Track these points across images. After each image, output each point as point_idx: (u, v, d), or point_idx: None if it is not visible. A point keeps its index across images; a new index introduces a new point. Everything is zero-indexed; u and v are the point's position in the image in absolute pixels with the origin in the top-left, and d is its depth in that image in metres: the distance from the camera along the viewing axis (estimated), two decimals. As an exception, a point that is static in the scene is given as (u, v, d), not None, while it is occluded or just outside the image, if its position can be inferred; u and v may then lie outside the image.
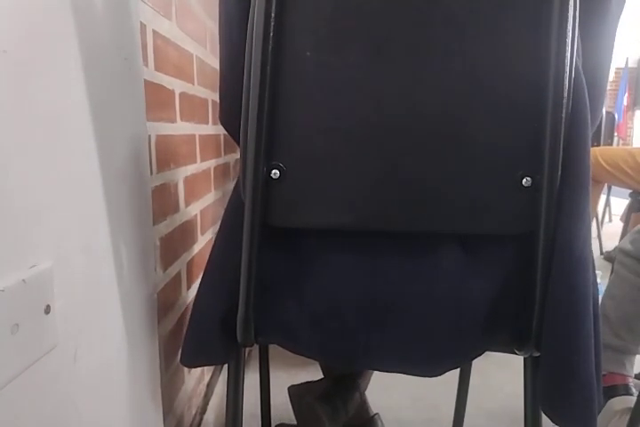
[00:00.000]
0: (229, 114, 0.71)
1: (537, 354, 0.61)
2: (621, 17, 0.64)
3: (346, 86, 0.56)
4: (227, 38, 0.67)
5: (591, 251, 0.59)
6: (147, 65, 0.76)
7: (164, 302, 0.84)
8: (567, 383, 0.58)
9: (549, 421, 0.62)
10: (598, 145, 3.24)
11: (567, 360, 0.57)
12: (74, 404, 0.53)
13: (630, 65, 6.27)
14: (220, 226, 0.68)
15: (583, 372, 0.57)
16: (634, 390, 1.18)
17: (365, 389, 1.13)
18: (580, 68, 0.57)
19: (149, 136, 0.77)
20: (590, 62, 0.59)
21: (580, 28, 0.56)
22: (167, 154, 0.87)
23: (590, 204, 0.59)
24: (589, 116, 0.57)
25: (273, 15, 0.54)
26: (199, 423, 1.13)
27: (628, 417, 1.03)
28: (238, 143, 0.64)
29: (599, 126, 3.31)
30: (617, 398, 1.15)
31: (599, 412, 1.10)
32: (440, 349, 0.62)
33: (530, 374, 0.65)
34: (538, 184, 0.56)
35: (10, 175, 0.42)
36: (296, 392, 1.07)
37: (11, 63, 0.42)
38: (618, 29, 0.64)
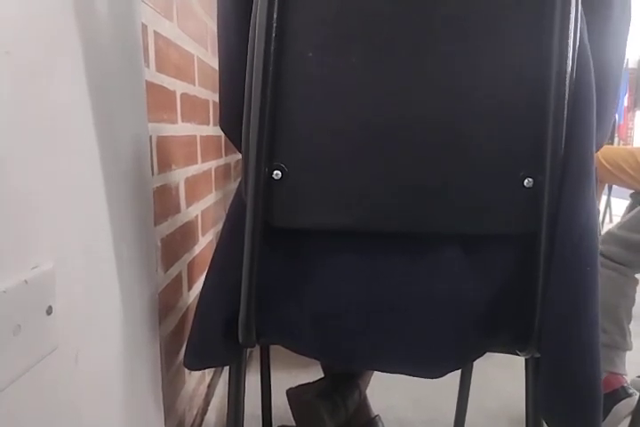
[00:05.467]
0: (229, 119, 0.70)
1: (538, 355, 0.61)
2: (630, 20, 0.63)
3: (348, 87, 0.56)
4: (225, 42, 0.67)
5: (594, 250, 0.58)
6: (148, 66, 0.76)
7: (165, 302, 0.84)
8: (566, 386, 0.57)
9: (551, 422, 0.62)
10: (599, 145, 3.23)
11: (566, 361, 0.57)
12: (75, 405, 0.53)
13: (631, 66, 6.27)
14: (223, 227, 0.68)
15: (585, 373, 0.57)
16: (632, 389, 1.18)
17: (365, 389, 1.13)
18: (592, 68, 0.56)
19: (150, 137, 0.77)
20: (597, 64, 0.59)
21: (587, 31, 0.56)
22: (168, 155, 0.87)
23: (595, 204, 0.59)
24: (594, 117, 0.56)
25: (275, 16, 0.54)
26: (200, 424, 1.13)
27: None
28: (238, 148, 0.64)
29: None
30: (621, 403, 1.15)
31: (603, 418, 1.11)
32: (441, 350, 0.62)
33: (531, 374, 0.65)
34: (539, 185, 0.56)
35: (12, 176, 0.42)
36: (294, 393, 1.07)
37: (14, 64, 0.42)
38: (627, 32, 0.64)
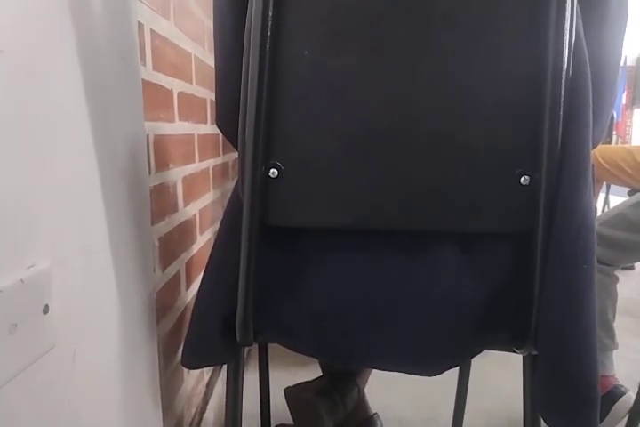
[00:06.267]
0: (226, 117, 0.70)
1: (536, 352, 0.61)
2: (628, 16, 0.63)
3: (343, 86, 0.56)
4: (221, 41, 0.67)
5: (591, 248, 0.58)
6: (144, 65, 0.76)
7: (162, 302, 0.84)
8: (564, 384, 0.58)
9: (548, 419, 0.62)
10: (597, 143, 3.22)
11: (563, 359, 0.57)
12: (72, 404, 0.53)
13: (628, 63, 6.27)
14: (220, 226, 0.68)
15: (582, 371, 0.57)
16: (624, 387, 1.19)
17: (364, 387, 1.13)
18: (588, 66, 0.56)
19: (147, 136, 0.77)
20: (594, 61, 0.59)
21: (583, 28, 0.56)
22: (165, 154, 0.87)
23: (591, 201, 0.59)
24: (590, 114, 0.56)
25: (270, 15, 0.54)
26: (199, 423, 1.13)
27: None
28: (234, 147, 0.64)
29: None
30: (618, 402, 1.16)
31: (603, 419, 1.12)
32: (439, 347, 0.62)
33: (529, 372, 0.65)
34: (536, 182, 0.56)
35: (8, 175, 0.42)
36: (292, 392, 1.07)
37: (8, 63, 0.42)
38: (624, 28, 0.64)
